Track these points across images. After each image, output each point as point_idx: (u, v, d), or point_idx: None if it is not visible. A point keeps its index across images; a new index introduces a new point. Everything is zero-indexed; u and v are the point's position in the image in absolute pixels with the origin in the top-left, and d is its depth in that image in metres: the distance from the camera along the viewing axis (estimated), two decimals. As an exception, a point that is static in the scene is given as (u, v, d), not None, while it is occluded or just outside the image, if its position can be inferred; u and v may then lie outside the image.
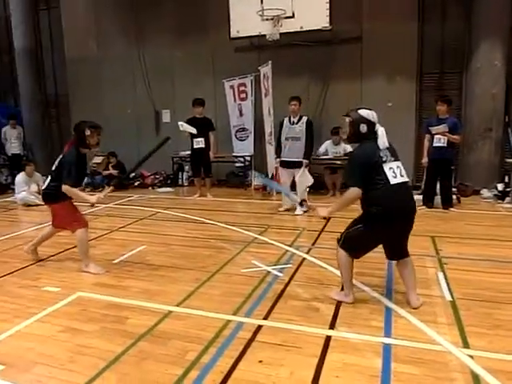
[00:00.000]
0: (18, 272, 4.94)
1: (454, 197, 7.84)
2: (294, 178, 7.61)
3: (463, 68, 9.06)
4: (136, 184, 11.07)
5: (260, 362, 2.97)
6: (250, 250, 5.53)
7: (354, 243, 3.77)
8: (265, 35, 8.89)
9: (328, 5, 8.43)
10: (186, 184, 11.11)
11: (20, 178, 9.17)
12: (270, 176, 9.13)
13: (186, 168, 11.13)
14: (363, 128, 3.68)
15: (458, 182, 8.71)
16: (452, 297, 3.93)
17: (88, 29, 11.98)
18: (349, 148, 9.05)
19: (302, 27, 8.67)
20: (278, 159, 7.77)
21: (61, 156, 4.89)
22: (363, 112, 3.73)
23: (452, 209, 7.47)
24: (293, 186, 7.60)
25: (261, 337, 3.31)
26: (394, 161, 3.65)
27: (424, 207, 7.55)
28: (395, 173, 3.60)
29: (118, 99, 11.77)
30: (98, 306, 3.96)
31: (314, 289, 4.20)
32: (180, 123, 8.93)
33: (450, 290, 4.08)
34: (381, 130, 3.68)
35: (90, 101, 12.04)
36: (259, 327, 3.45)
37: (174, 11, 10.92)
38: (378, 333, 3.32)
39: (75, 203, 5.05)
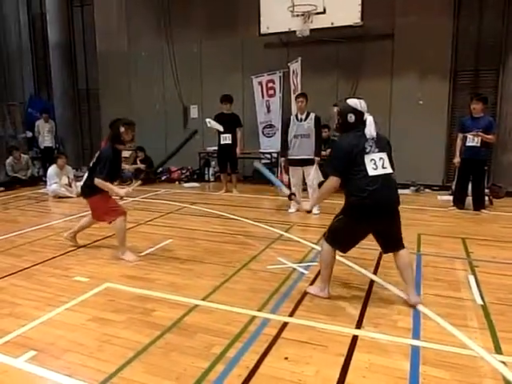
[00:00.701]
0: (49, 261, 5.05)
1: (486, 198, 7.64)
2: (303, 175, 7.50)
3: (499, 65, 8.80)
4: (163, 178, 11.16)
5: (286, 358, 2.96)
6: (275, 247, 5.52)
7: (338, 235, 3.79)
8: (294, 31, 8.85)
9: (360, 0, 8.34)
10: (212, 179, 11.14)
11: (52, 170, 9.35)
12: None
13: (213, 163, 11.14)
14: (351, 118, 3.67)
15: (491, 182, 8.51)
16: (483, 301, 3.83)
17: (119, 25, 12.13)
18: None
19: (332, 23, 8.57)
20: (284, 158, 7.57)
21: (98, 152, 5.14)
22: (351, 101, 3.73)
23: (484, 210, 7.27)
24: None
25: (286, 334, 3.30)
26: (379, 152, 3.61)
27: (454, 208, 7.43)
28: (376, 164, 3.58)
29: (147, 94, 11.90)
30: (126, 297, 4.01)
31: (339, 287, 4.16)
32: (207, 120, 8.98)
33: (481, 293, 3.99)
34: (369, 120, 3.64)
35: (120, 96, 12.22)
36: (285, 324, 3.44)
37: (204, 8, 10.94)
38: (405, 334, 3.26)
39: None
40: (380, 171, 3.58)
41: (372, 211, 3.58)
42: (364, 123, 3.63)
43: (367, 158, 3.56)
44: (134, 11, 11.91)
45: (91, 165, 5.14)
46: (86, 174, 5.25)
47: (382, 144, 3.68)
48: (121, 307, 3.79)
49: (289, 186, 7.36)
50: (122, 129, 4.99)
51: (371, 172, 3.55)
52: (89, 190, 5.13)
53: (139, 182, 5.35)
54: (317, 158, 7.32)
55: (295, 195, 4.65)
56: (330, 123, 8.70)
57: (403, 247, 3.79)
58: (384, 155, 3.64)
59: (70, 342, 3.22)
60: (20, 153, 10.86)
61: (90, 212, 5.42)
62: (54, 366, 2.92)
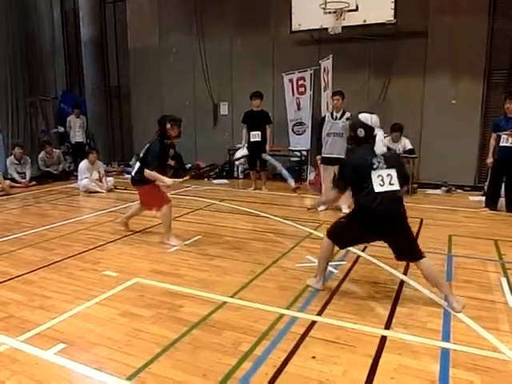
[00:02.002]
0: (79, 255, 5.13)
1: (520, 199, 7.46)
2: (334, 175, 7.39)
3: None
4: (192, 175, 11.20)
5: (313, 357, 2.94)
6: (304, 245, 5.50)
7: (338, 232, 3.91)
8: (326, 29, 8.79)
9: (393, -2, 8.25)
10: (241, 177, 11.14)
11: (83, 165, 9.48)
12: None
13: (242, 160, 11.16)
14: (361, 132, 3.74)
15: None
16: (516, 304, 3.75)
17: (151, 22, 12.24)
18: (408, 145, 8.84)
19: (365, 21, 8.50)
20: (319, 156, 7.55)
21: (148, 145, 5.51)
22: (362, 116, 3.80)
23: (517, 212, 7.12)
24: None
25: (314, 333, 3.28)
26: (387, 168, 3.65)
27: (486, 209, 7.27)
28: (383, 181, 3.61)
29: (177, 91, 11.97)
30: (155, 292, 4.05)
31: (369, 287, 4.12)
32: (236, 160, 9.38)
33: (513, 296, 3.91)
34: (379, 135, 3.70)
35: (151, 92, 12.36)
36: (313, 323, 3.42)
37: (235, 5, 10.95)
38: (435, 336, 3.21)
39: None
40: (386, 188, 3.62)
41: (376, 224, 3.63)
42: (374, 138, 3.68)
43: (374, 174, 3.61)
44: (165, 8, 12.00)
45: (141, 155, 5.53)
46: (137, 165, 5.57)
47: (392, 160, 3.73)
48: (149, 302, 3.82)
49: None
50: (168, 125, 5.37)
51: (377, 188, 3.60)
52: (138, 180, 5.53)
53: (187, 177, 5.77)
54: None
55: (299, 188, 4.71)
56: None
57: (421, 258, 3.72)
58: (393, 171, 3.66)
59: (99, 336, 3.26)
60: (52, 148, 11.06)
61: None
62: (82, 359, 2.96)
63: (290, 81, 10.46)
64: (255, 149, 9.23)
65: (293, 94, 10.50)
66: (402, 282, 4.22)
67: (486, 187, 7.84)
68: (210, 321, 3.48)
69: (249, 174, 10.05)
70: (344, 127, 7.17)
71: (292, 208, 7.76)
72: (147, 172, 5.30)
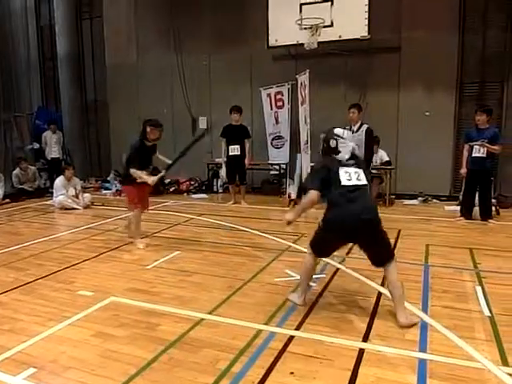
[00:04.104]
0: (53, 275, 5.00)
1: (493, 208, 7.60)
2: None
3: (505, 77, 8.84)
4: (171, 190, 11.16)
5: (291, 373, 2.91)
6: (283, 259, 5.48)
7: (315, 242, 3.91)
8: (302, 44, 8.89)
9: (367, 14, 8.43)
10: (220, 191, 11.13)
11: (59, 181, 9.33)
12: None
13: (222, 174, 11.13)
14: (333, 143, 3.85)
15: (498, 193, 8.46)
16: (491, 312, 3.78)
17: (128, 37, 12.23)
18: (385, 157, 8.95)
19: (340, 36, 8.66)
20: None
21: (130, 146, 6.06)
22: (336, 130, 3.95)
23: (491, 221, 7.23)
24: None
25: (293, 348, 3.25)
26: (354, 167, 3.77)
27: (462, 219, 7.38)
28: (351, 177, 3.72)
29: (155, 106, 11.90)
30: (130, 311, 3.97)
31: (347, 300, 4.12)
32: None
33: (488, 304, 3.94)
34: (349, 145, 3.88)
35: (128, 107, 12.28)
36: (291, 338, 3.40)
37: (212, 20, 11.01)
38: (412, 347, 3.21)
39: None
40: (354, 182, 3.70)
41: (341, 224, 3.68)
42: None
43: (341, 170, 3.73)
44: (143, 24, 12.01)
45: (126, 158, 6.03)
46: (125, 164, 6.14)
47: (360, 163, 3.90)
48: (125, 322, 3.75)
49: None
50: (148, 129, 5.88)
51: (344, 182, 3.68)
52: (123, 179, 6.21)
53: (163, 173, 6.05)
54: None
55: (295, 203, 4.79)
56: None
57: (389, 261, 3.72)
58: (360, 170, 3.79)
59: (72, 359, 3.16)
60: (27, 164, 10.88)
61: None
62: (53, 383, 2.87)
63: (268, 95, 10.54)
64: (234, 163, 9.24)
65: (271, 108, 10.58)
66: (379, 294, 4.23)
67: (460, 197, 7.97)
68: (187, 339, 3.43)
69: (228, 188, 10.03)
70: (359, 140, 7.16)
71: (271, 221, 7.76)
72: (131, 170, 5.75)
